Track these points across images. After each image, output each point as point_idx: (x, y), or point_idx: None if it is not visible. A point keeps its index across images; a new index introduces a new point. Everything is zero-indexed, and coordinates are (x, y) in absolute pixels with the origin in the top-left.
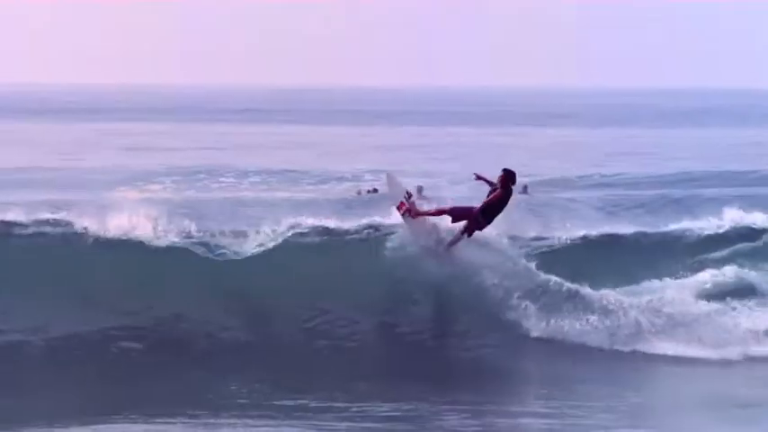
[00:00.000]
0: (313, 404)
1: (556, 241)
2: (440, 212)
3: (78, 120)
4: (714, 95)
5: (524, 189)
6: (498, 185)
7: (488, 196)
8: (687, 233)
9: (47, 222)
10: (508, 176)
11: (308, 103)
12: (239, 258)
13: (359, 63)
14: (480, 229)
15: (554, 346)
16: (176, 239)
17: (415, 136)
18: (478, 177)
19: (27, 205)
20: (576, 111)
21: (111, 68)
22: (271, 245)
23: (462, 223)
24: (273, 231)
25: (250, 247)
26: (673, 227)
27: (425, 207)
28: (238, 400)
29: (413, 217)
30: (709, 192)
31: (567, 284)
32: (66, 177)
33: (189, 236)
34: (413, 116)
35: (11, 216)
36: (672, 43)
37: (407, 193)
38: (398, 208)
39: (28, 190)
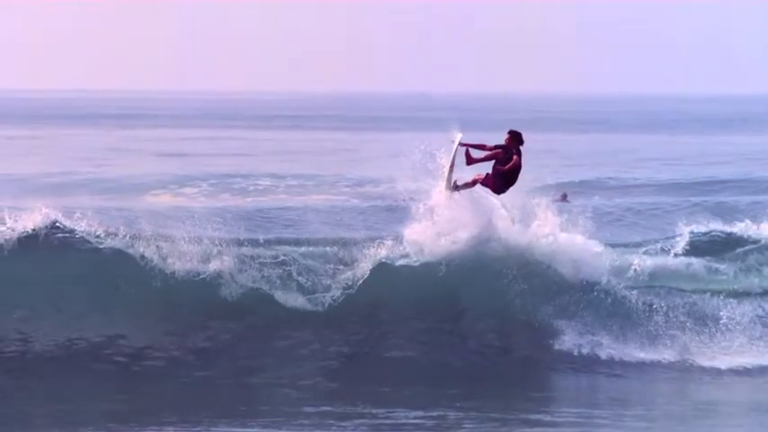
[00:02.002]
0: (338, 411)
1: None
2: (489, 158)
3: (110, 126)
4: (748, 102)
5: (564, 197)
6: (511, 151)
7: (504, 163)
8: (722, 238)
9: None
10: (516, 138)
11: (332, 109)
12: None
13: (386, 69)
14: (498, 193)
15: (588, 356)
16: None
17: (444, 142)
18: (467, 146)
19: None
20: (605, 117)
21: (141, 75)
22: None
23: (476, 174)
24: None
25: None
26: (708, 232)
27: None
28: (262, 407)
29: (467, 164)
30: (744, 199)
31: (613, 294)
32: (100, 182)
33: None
34: (440, 122)
35: (74, 224)
36: (704, 48)
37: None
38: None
39: (68, 195)
